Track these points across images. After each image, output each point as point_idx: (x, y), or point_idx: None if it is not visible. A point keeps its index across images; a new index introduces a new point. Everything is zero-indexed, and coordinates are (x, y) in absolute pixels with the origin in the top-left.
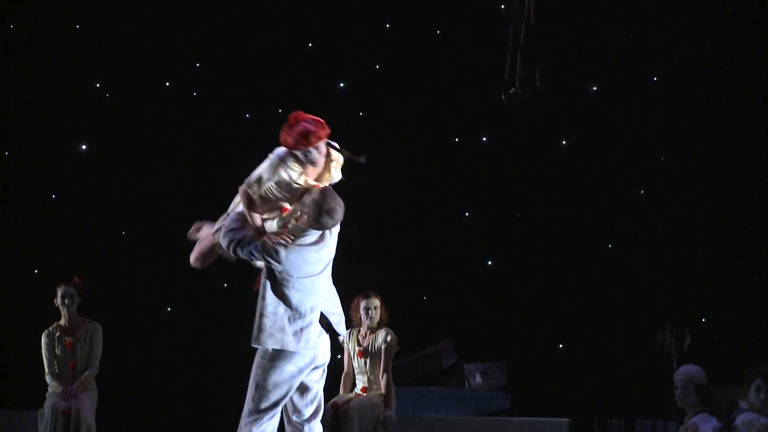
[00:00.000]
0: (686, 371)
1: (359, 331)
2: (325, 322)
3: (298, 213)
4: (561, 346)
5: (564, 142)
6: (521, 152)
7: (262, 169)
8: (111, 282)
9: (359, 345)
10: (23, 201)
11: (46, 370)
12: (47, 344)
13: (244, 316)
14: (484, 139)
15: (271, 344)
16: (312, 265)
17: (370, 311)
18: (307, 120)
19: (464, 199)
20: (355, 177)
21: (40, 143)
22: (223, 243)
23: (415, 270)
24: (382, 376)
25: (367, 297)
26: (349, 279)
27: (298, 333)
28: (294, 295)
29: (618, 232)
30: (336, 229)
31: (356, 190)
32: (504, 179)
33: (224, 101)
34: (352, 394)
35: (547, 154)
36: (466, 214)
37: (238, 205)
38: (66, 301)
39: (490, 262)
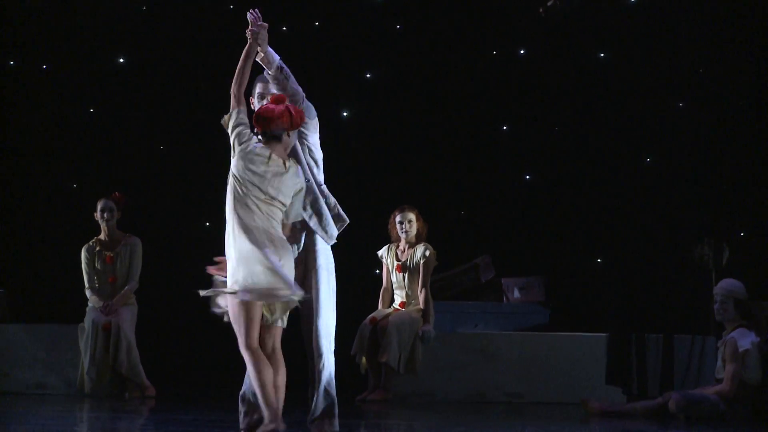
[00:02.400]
0: (726, 285)
1: (398, 245)
2: None
3: None
4: (599, 260)
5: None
6: (559, 65)
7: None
8: (150, 196)
9: (398, 260)
10: (62, 115)
11: (86, 285)
12: (87, 259)
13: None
14: (522, 52)
15: None
16: None
17: (404, 225)
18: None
19: (502, 113)
20: (393, 92)
21: (77, 56)
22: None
23: (453, 185)
24: (421, 291)
25: (401, 211)
26: (387, 195)
27: None
28: None
29: (656, 146)
30: None
31: (394, 104)
32: (542, 93)
33: (262, 14)
34: (391, 309)
35: (584, 66)
36: (504, 128)
37: None
38: (105, 215)
39: (527, 177)
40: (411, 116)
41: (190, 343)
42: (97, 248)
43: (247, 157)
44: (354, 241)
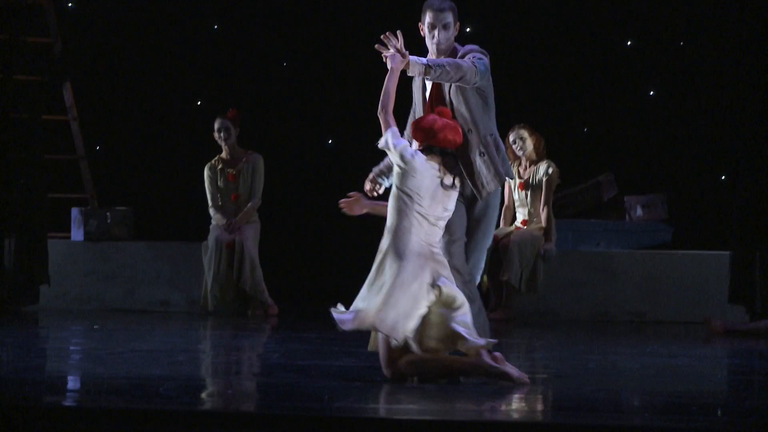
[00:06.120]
0: None
1: (520, 163)
2: None
3: None
4: (723, 177)
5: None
6: None
7: None
8: (273, 113)
9: (520, 177)
10: (185, 33)
11: (210, 203)
12: (210, 177)
13: None
14: None
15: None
16: None
17: (517, 143)
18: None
19: (625, 28)
20: (516, 7)
21: None
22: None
23: (576, 102)
24: (543, 209)
25: (513, 130)
26: (511, 112)
27: None
28: None
29: None
30: None
31: (517, 20)
32: (666, 7)
33: None
34: (512, 228)
35: None
36: (628, 43)
37: None
38: (222, 134)
39: (651, 93)
40: (535, 32)
41: (312, 261)
42: (220, 166)
43: (415, 172)
44: None
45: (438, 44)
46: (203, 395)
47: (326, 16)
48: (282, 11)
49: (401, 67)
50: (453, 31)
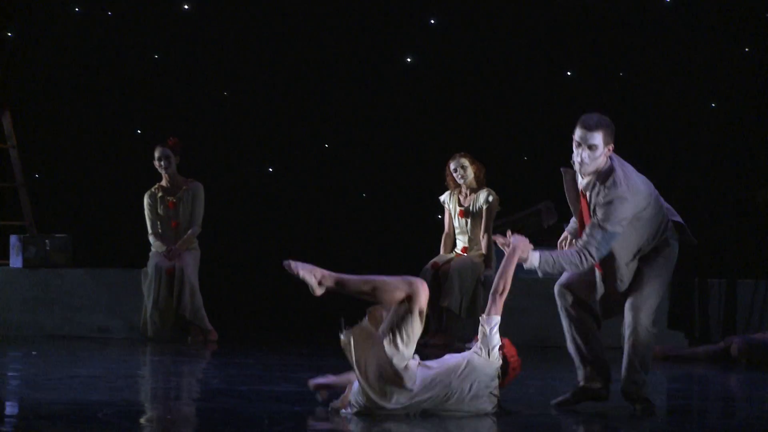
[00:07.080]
0: None
1: (460, 191)
2: None
3: None
4: None
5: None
6: (623, 9)
7: None
8: (213, 141)
9: (460, 205)
10: (125, 61)
11: (149, 231)
12: (150, 204)
13: (349, 174)
14: None
15: None
16: None
17: (458, 171)
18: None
19: (565, 58)
20: (457, 38)
21: (141, 2)
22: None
23: (516, 130)
24: (483, 236)
25: (454, 158)
26: (450, 140)
27: None
28: None
29: (720, 90)
30: None
31: (457, 49)
32: (606, 37)
33: None
34: (452, 254)
35: (649, 11)
36: (568, 73)
37: None
38: (163, 162)
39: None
40: (474, 61)
41: (251, 288)
42: (159, 194)
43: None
44: (416, 187)
45: (581, 163)
46: (143, 420)
47: (266, 44)
48: (221, 40)
49: (520, 255)
50: (601, 153)
